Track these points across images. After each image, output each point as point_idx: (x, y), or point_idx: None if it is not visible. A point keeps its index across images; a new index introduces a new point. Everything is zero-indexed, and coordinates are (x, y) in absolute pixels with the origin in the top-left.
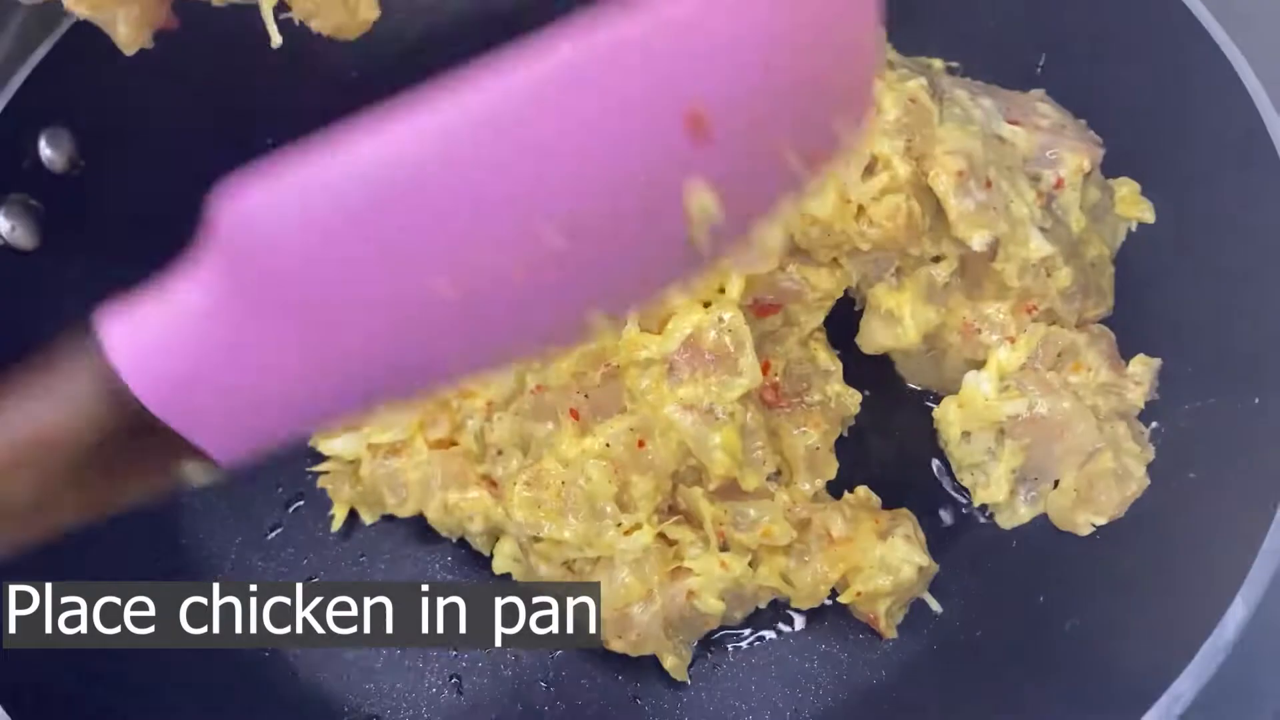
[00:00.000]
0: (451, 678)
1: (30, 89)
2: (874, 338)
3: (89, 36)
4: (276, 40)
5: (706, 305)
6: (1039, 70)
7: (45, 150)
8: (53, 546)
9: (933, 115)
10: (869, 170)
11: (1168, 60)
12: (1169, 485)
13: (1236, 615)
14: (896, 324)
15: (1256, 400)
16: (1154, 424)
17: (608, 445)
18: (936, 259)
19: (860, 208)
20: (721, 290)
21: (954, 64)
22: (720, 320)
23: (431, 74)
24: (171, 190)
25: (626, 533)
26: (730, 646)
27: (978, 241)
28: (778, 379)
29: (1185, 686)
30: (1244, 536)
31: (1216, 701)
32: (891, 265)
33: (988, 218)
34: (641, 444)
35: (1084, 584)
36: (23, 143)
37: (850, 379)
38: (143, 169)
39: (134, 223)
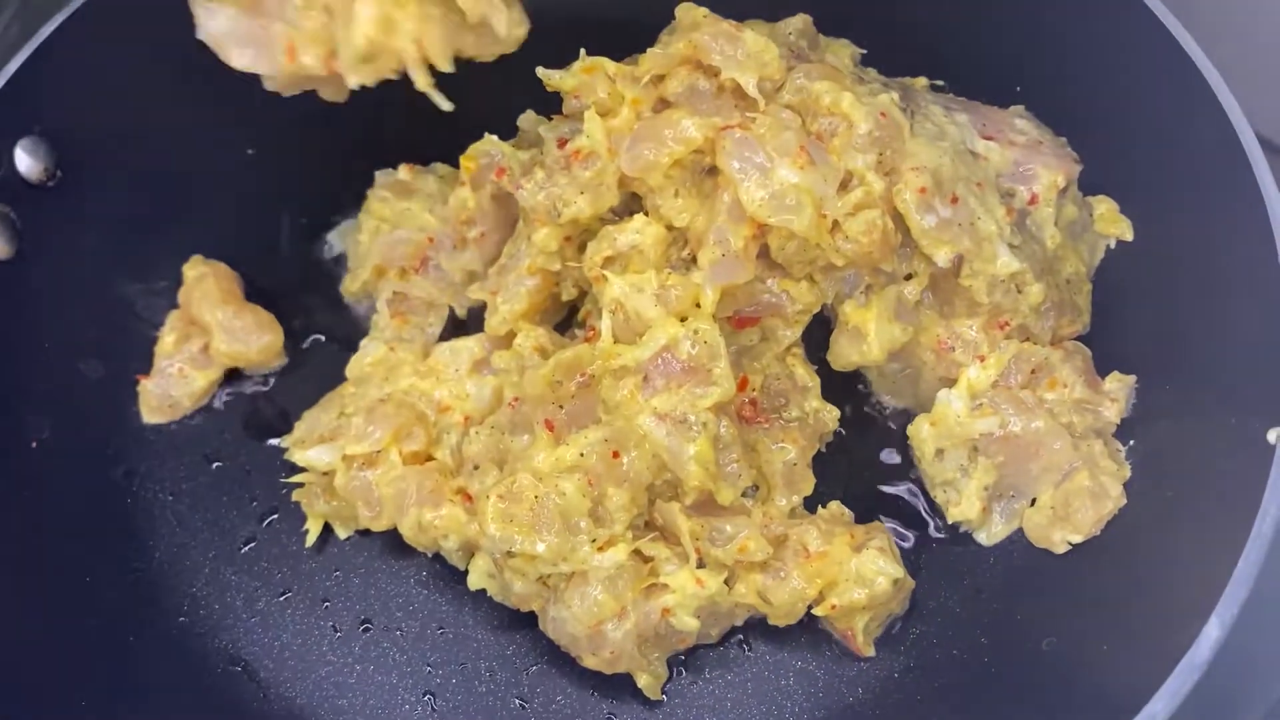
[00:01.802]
0: (425, 694)
1: (6, 98)
2: (842, 354)
3: (66, 46)
4: (446, 105)
5: (683, 320)
6: (1018, 90)
7: (21, 160)
8: (24, 560)
9: (904, 129)
10: (844, 185)
11: (1148, 82)
12: (1146, 503)
13: (1211, 635)
14: (862, 341)
15: (1233, 420)
16: (1130, 442)
17: (582, 455)
18: (908, 276)
19: (835, 223)
20: (697, 304)
21: (939, 82)
22: (695, 332)
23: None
24: (148, 200)
25: (600, 549)
26: (706, 664)
27: (941, 257)
28: (755, 394)
29: (1160, 706)
30: (1220, 556)
31: None
32: (862, 282)
33: (951, 234)
34: (616, 455)
35: (1060, 602)
36: None
37: (828, 395)
38: (120, 179)
39: (111, 233)
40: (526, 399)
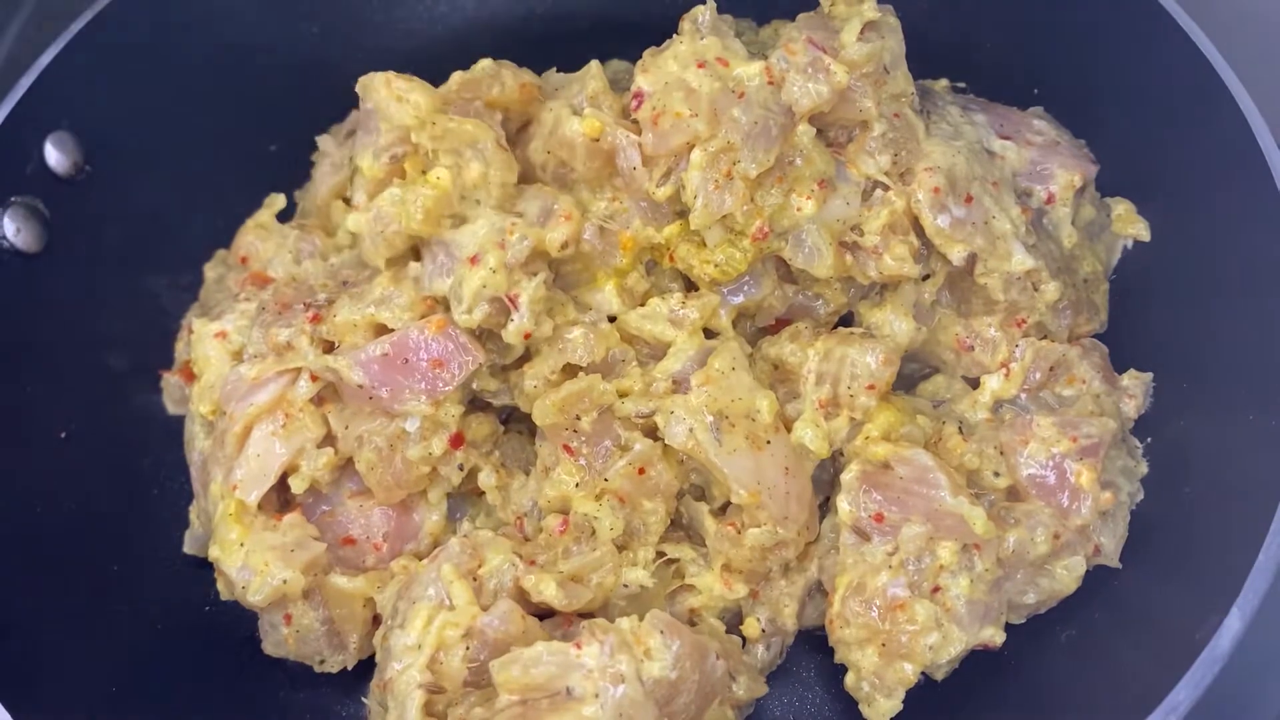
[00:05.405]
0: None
1: (36, 93)
2: None
3: (94, 43)
4: None
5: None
6: (1036, 92)
7: (50, 154)
8: (52, 548)
9: (918, 130)
10: (866, 195)
11: (1166, 85)
12: (1164, 499)
13: (1232, 628)
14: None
15: (1251, 416)
16: (1149, 439)
17: (606, 480)
18: (925, 276)
19: (866, 247)
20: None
21: (960, 84)
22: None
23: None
24: (176, 194)
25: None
26: None
27: (955, 255)
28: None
29: (1182, 697)
30: (1239, 550)
31: (1212, 712)
32: (878, 283)
33: (965, 232)
34: (642, 471)
35: (1079, 595)
36: (28, 146)
37: None
38: (147, 173)
39: (138, 226)
40: (544, 428)
